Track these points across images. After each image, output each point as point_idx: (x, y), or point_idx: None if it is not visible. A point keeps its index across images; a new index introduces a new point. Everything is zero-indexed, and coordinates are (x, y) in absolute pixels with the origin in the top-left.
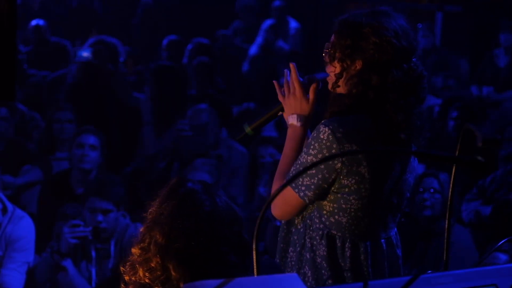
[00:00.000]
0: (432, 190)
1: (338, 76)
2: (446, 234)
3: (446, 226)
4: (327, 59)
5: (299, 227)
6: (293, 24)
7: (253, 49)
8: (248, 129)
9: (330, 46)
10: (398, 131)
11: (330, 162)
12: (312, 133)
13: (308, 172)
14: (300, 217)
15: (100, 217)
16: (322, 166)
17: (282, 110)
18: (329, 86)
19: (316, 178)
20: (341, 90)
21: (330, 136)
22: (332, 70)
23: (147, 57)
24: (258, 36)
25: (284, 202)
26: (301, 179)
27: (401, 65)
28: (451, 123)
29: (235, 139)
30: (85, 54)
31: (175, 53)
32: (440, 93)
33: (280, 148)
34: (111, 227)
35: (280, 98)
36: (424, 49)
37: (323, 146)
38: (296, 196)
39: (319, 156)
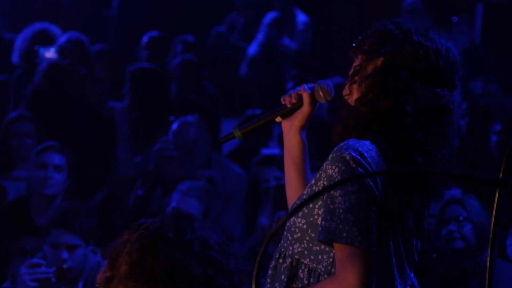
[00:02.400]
0: (461, 218)
1: (352, 81)
2: (487, 272)
3: (488, 263)
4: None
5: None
6: (301, 17)
7: (252, 48)
8: (237, 132)
9: (364, 36)
10: (415, 154)
11: (367, 185)
12: (332, 165)
13: (351, 214)
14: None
15: (65, 254)
16: (364, 198)
17: (283, 116)
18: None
19: (368, 217)
20: (354, 95)
21: (362, 164)
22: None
23: (124, 58)
24: (258, 33)
25: (354, 268)
26: (349, 228)
27: (430, 86)
28: (494, 138)
29: (219, 141)
30: (50, 53)
31: (157, 53)
32: (479, 101)
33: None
34: (79, 266)
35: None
36: (461, 48)
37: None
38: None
39: (363, 190)
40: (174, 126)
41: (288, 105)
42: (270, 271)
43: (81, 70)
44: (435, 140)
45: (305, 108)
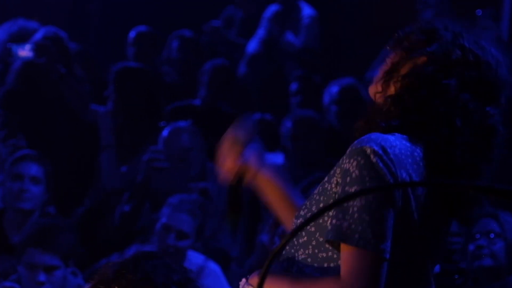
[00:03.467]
0: (492, 235)
1: (385, 78)
2: None
3: None
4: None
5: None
6: (306, 11)
7: (252, 45)
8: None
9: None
10: (454, 174)
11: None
12: (349, 159)
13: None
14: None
15: (42, 277)
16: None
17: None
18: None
19: (385, 219)
20: (386, 93)
21: (384, 159)
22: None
23: (108, 56)
24: (259, 28)
25: (363, 272)
26: (362, 229)
27: (475, 99)
28: None
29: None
30: (24, 51)
31: (145, 50)
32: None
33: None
34: None
35: None
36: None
37: (376, 174)
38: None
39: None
40: (165, 133)
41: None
42: None
43: (59, 69)
44: (480, 164)
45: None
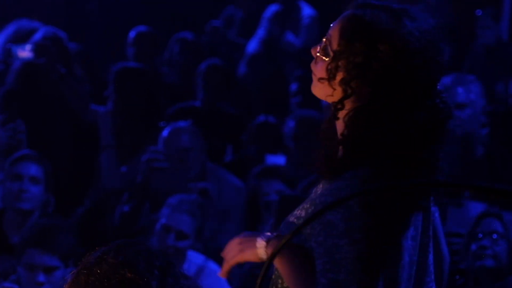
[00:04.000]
0: (495, 236)
1: (339, 107)
2: None
3: None
4: (323, 72)
5: None
6: (306, 11)
7: (252, 45)
8: None
9: (336, 53)
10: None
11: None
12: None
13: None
14: None
15: (41, 277)
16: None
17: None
18: (315, 92)
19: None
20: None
21: (363, 207)
22: (329, 92)
23: (108, 56)
24: (259, 28)
25: None
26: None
27: (424, 103)
28: None
29: None
30: (24, 52)
31: (145, 50)
32: (496, 105)
33: (290, 182)
34: None
35: None
36: (485, 45)
37: (362, 224)
38: None
39: (370, 235)
40: (165, 133)
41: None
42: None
43: (59, 70)
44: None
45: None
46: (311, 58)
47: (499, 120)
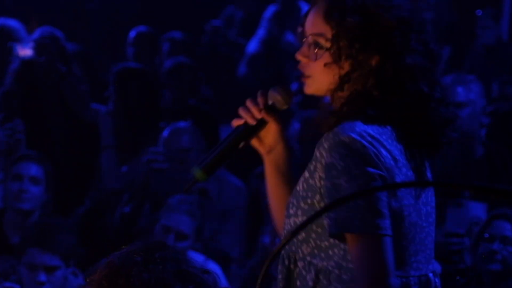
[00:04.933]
0: (505, 238)
1: (345, 80)
2: None
3: None
4: (313, 55)
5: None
6: (306, 11)
7: (252, 46)
8: (199, 173)
9: (326, 38)
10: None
11: (374, 173)
12: (330, 153)
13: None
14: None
15: (42, 277)
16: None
17: (247, 139)
18: (312, 91)
19: (379, 200)
20: (339, 93)
21: (364, 144)
22: (335, 71)
23: (108, 56)
24: (259, 28)
25: (369, 257)
26: (360, 215)
27: (420, 47)
28: None
29: (183, 191)
30: (25, 51)
31: (145, 51)
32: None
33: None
34: None
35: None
36: (485, 45)
37: (361, 160)
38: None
39: (369, 172)
40: (165, 133)
41: (250, 121)
42: (281, 281)
43: (59, 68)
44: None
45: (273, 127)
46: None
47: (499, 120)
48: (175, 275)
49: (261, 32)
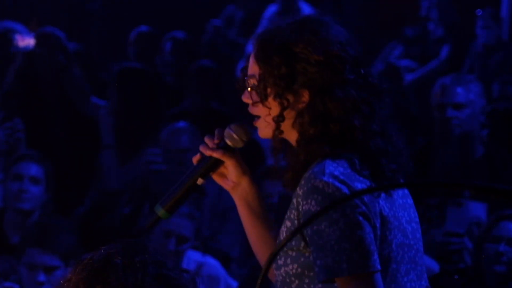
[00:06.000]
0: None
1: (279, 119)
2: None
3: None
4: (254, 97)
5: None
6: (306, 10)
7: (252, 46)
8: (161, 211)
9: (257, 79)
10: (388, 162)
11: (351, 205)
12: (306, 200)
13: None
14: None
15: (41, 277)
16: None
17: (203, 176)
18: (263, 134)
19: (363, 237)
20: (287, 134)
21: (337, 186)
22: (266, 112)
23: (109, 56)
24: (259, 28)
25: None
26: (347, 257)
27: (355, 80)
28: None
29: (145, 227)
30: (26, 41)
31: (146, 51)
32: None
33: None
34: None
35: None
36: (485, 45)
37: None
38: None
39: (348, 213)
40: (164, 133)
41: (208, 153)
42: None
43: (60, 59)
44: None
45: (231, 164)
46: None
47: (499, 120)
48: (154, 278)
49: None
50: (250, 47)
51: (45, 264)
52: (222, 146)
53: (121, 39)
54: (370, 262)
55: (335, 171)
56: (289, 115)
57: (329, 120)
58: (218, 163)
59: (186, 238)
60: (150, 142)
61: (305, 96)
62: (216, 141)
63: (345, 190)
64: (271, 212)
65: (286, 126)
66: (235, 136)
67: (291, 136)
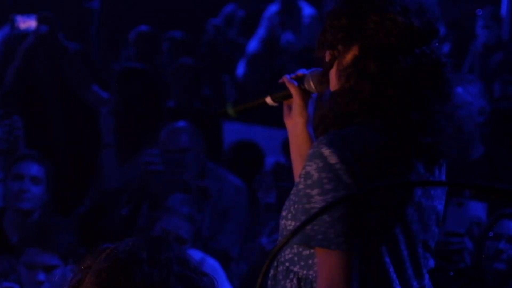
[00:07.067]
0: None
1: (328, 67)
2: None
3: None
4: (320, 50)
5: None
6: (307, 10)
7: (252, 45)
8: (231, 110)
9: (321, 31)
10: (419, 135)
11: (344, 182)
12: (309, 161)
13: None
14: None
15: (41, 276)
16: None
17: (274, 99)
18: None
19: (342, 214)
20: (334, 86)
21: (339, 160)
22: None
23: (108, 56)
24: (259, 27)
25: (330, 271)
26: (324, 229)
27: (411, 50)
28: None
29: (212, 114)
30: (28, 23)
31: (146, 50)
32: (497, 105)
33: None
34: None
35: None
36: (486, 45)
37: (334, 176)
38: (338, 253)
39: (339, 188)
40: (163, 133)
41: (285, 81)
42: (269, 281)
43: (61, 40)
44: (436, 120)
45: (296, 100)
46: (311, 57)
47: (499, 120)
48: (179, 278)
49: (261, 32)
50: (251, 47)
51: (45, 263)
52: (298, 84)
53: (120, 39)
54: (344, 243)
55: (347, 144)
56: (338, 66)
57: (365, 78)
58: (289, 95)
59: (183, 240)
60: (150, 142)
61: (355, 52)
62: (297, 77)
63: (348, 168)
64: (268, 213)
65: (333, 76)
66: (311, 82)
67: (336, 87)
